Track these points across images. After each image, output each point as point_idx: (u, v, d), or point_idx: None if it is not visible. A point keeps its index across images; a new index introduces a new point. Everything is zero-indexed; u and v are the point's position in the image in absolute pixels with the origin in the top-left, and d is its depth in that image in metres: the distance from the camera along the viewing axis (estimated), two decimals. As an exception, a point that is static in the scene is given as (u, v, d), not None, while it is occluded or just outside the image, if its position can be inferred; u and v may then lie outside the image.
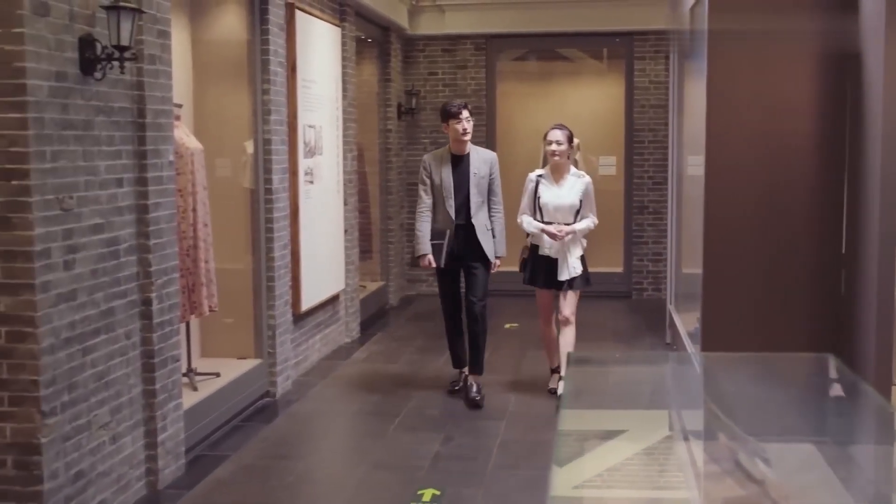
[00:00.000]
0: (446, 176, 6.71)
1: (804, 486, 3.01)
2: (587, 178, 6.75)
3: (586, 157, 11.45)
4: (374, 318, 9.75)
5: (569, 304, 6.69)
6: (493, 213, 6.80)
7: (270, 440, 5.97)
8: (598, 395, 4.06)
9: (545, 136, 6.68)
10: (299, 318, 7.44)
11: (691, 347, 6.17)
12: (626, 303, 10.74)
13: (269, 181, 6.78)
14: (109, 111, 4.61)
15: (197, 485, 5.18)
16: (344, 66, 8.53)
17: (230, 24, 6.95)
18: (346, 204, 8.62)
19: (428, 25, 10.99)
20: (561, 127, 6.68)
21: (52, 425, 4.18)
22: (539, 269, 6.73)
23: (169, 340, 5.13)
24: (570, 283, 6.68)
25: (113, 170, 4.65)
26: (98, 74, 4.44)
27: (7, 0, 3.92)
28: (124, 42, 4.36)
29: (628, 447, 3.63)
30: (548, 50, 11.84)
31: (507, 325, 9.28)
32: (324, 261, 7.93)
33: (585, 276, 6.73)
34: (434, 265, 6.81)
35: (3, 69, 3.98)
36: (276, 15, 6.84)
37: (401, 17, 10.40)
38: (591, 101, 11.75)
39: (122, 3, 4.34)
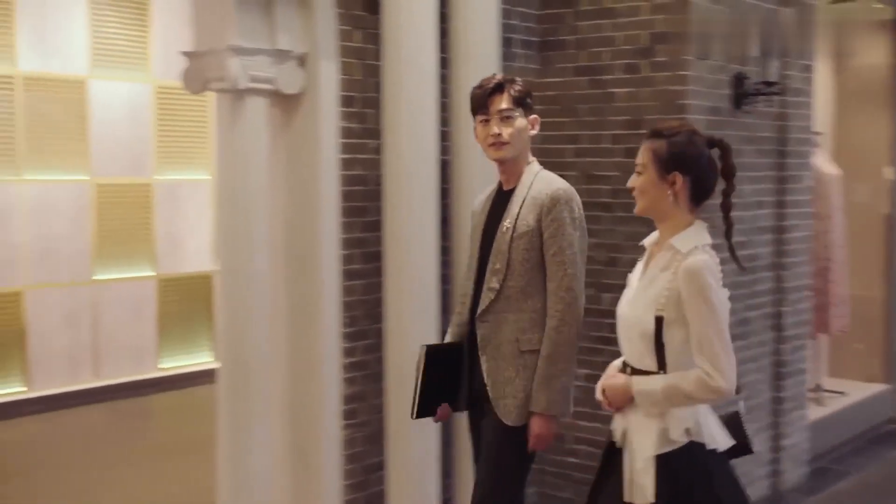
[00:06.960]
0: (476, 228, 3.47)
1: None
2: (694, 261, 2.69)
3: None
4: None
5: None
6: (549, 316, 3.22)
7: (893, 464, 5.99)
8: None
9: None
10: (934, 347, 7.25)
11: None
12: None
13: (906, 207, 6.78)
14: (754, 140, 5.12)
15: (817, 493, 5.45)
16: None
17: (873, 51, 7.07)
18: None
19: None
20: (657, 134, 2.82)
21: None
22: (612, 465, 2.94)
23: (797, 353, 5.47)
24: None
25: (756, 193, 5.14)
26: (747, 107, 4.97)
27: (677, 50, 4.63)
28: (772, 78, 4.85)
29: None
30: None
31: None
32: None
33: None
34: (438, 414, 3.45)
35: (669, 106, 4.68)
36: (923, 40, 6.81)
37: None
38: None
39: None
